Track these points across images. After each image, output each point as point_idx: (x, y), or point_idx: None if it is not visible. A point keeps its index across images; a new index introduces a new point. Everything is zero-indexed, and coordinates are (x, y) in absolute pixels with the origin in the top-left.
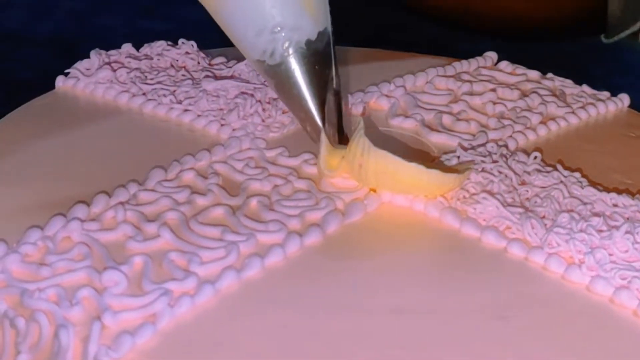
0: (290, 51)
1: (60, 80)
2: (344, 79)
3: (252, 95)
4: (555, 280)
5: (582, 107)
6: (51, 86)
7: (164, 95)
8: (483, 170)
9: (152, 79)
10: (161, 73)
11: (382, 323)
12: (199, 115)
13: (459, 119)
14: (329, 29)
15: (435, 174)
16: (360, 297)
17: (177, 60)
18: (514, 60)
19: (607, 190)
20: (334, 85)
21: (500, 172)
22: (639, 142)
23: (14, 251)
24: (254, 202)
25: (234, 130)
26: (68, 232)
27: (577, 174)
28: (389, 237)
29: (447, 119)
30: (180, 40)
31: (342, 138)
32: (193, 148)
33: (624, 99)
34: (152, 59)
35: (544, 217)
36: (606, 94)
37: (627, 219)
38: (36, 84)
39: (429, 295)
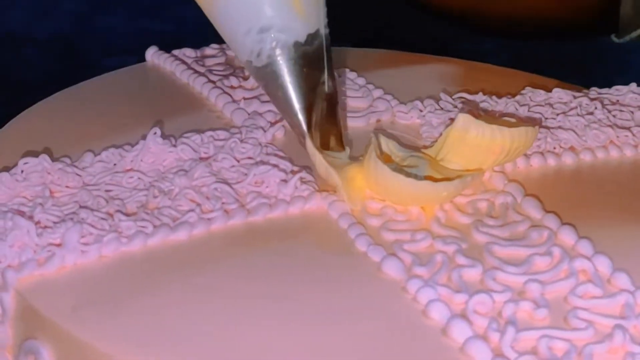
0: (277, 52)
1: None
2: (382, 80)
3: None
4: None
5: None
6: (52, 87)
7: (172, 216)
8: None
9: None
10: (84, 198)
11: None
12: (236, 204)
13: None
14: (322, 31)
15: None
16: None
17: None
18: (514, 59)
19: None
20: (326, 89)
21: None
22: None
23: None
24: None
25: (282, 199)
26: None
27: (504, 98)
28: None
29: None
30: (22, 161)
31: (341, 144)
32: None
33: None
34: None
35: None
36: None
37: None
38: (37, 85)
39: None
